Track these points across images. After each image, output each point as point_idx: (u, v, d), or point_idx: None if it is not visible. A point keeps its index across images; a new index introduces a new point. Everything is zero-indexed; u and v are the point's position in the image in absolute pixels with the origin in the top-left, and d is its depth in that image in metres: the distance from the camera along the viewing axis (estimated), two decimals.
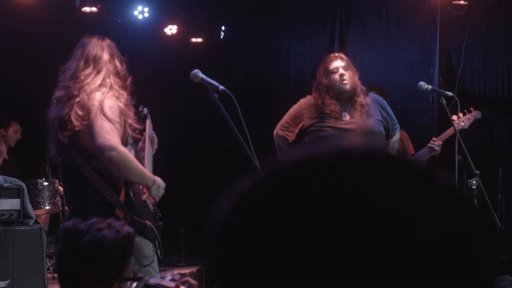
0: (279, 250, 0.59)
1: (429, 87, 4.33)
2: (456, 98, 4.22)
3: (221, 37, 7.79)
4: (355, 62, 7.25)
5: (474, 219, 0.62)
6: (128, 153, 3.26)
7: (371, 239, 0.57)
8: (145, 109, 3.74)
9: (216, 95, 3.32)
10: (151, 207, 3.49)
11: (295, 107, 4.50)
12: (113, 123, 3.25)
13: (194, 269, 6.77)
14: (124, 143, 3.36)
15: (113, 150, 3.20)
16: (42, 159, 6.65)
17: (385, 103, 4.50)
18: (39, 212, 6.24)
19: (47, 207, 6.30)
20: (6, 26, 6.66)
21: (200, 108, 6.78)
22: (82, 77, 3.43)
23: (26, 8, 6.56)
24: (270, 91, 7.61)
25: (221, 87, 3.30)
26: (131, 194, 3.31)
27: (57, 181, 6.47)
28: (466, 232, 0.60)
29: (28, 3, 6.54)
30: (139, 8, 7.12)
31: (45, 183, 6.30)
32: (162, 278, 2.41)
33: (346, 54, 7.31)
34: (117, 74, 3.47)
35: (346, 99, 4.35)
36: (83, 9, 6.58)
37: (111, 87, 3.39)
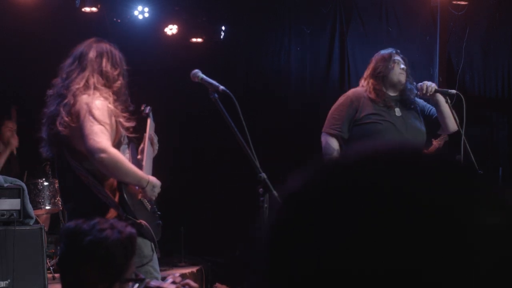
0: (338, 254, 0.57)
1: (432, 88, 4.19)
2: (461, 95, 4.17)
3: (221, 37, 7.79)
4: (355, 62, 7.30)
5: None
6: (118, 155, 3.23)
7: (436, 249, 0.56)
8: (148, 108, 3.72)
9: (216, 95, 3.32)
10: (148, 206, 3.49)
11: (342, 102, 4.31)
12: (102, 125, 3.23)
13: (194, 269, 6.77)
14: (117, 144, 3.35)
15: (103, 152, 3.18)
16: (42, 159, 6.66)
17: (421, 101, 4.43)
18: (39, 212, 6.24)
19: (47, 207, 6.30)
20: (6, 26, 6.66)
21: (200, 108, 6.79)
22: (66, 74, 3.45)
23: (26, 8, 6.56)
24: (270, 91, 7.61)
25: (221, 87, 3.30)
26: (125, 194, 3.29)
27: (57, 181, 6.47)
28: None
29: (28, 3, 6.54)
30: (139, 8, 7.12)
31: (45, 183, 6.30)
32: (163, 280, 2.41)
33: (346, 54, 7.34)
34: (101, 73, 3.44)
35: (397, 93, 4.29)
36: (83, 9, 6.58)
37: (95, 88, 3.37)
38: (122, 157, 3.27)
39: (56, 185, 6.43)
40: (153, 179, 3.41)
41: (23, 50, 6.92)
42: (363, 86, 4.33)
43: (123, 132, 3.41)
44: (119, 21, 7.18)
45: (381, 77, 4.26)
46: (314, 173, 0.64)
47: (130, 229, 2.16)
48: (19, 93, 7.13)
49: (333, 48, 7.37)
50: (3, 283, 4.74)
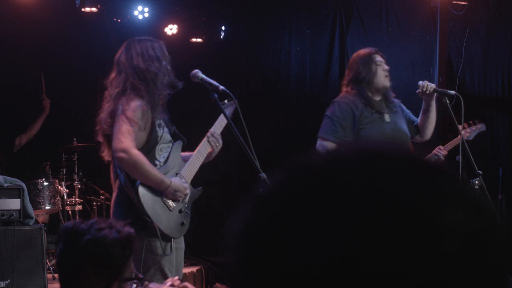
0: (307, 252, 0.58)
1: (431, 87, 4.16)
2: (460, 96, 4.15)
3: (221, 37, 7.79)
4: None
5: (493, 221, 0.62)
6: (138, 157, 3.37)
7: (398, 240, 0.57)
8: (226, 101, 3.63)
9: (216, 95, 3.33)
10: (172, 206, 3.61)
11: (342, 108, 4.06)
12: (131, 126, 3.39)
13: (194, 269, 6.77)
14: (152, 143, 3.50)
15: (124, 152, 3.36)
16: (42, 159, 6.66)
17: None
18: (39, 212, 6.24)
19: (47, 207, 6.30)
20: (5, 26, 6.66)
21: (200, 108, 6.78)
22: (109, 84, 3.60)
23: (26, 8, 6.56)
24: (270, 91, 7.61)
25: (221, 87, 3.31)
26: (140, 194, 3.42)
27: (57, 181, 6.47)
28: (487, 235, 0.60)
29: (28, 3, 6.54)
30: (139, 8, 7.12)
31: (45, 183, 6.30)
32: (162, 283, 2.41)
33: (346, 54, 7.33)
34: (135, 72, 3.54)
35: (381, 97, 4.14)
36: (83, 9, 6.58)
37: (133, 87, 3.49)
38: (142, 159, 3.40)
39: (56, 185, 6.43)
40: (176, 183, 3.54)
41: (22, 50, 6.92)
42: (348, 92, 4.14)
43: (161, 131, 3.56)
44: (119, 21, 7.18)
45: (365, 82, 4.08)
46: (287, 173, 0.66)
47: (128, 229, 2.16)
48: (19, 93, 7.13)
49: (333, 48, 7.37)
50: (3, 283, 4.74)
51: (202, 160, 3.79)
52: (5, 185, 5.33)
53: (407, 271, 0.57)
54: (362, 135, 3.99)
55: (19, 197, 5.10)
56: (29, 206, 5.45)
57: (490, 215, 0.62)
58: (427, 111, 4.21)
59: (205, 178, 7.50)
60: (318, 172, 0.63)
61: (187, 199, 3.75)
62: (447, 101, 4.10)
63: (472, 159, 3.97)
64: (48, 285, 5.04)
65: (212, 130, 3.80)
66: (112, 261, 2.07)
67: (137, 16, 7.13)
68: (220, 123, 3.79)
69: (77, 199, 6.65)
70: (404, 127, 4.18)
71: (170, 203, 3.60)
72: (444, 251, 0.57)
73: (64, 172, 6.63)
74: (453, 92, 4.16)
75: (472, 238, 0.59)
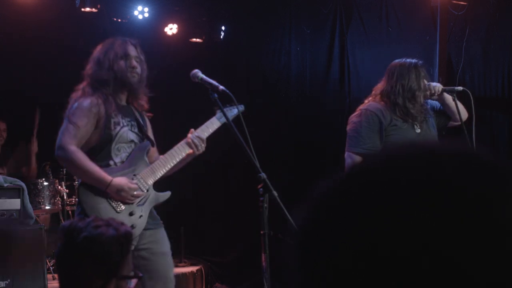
0: (366, 251, 0.58)
1: (439, 88, 4.04)
2: (468, 91, 4.11)
3: (221, 37, 7.79)
4: (355, 62, 7.29)
5: None
6: (75, 154, 3.38)
7: (467, 236, 0.57)
8: (224, 107, 3.52)
9: (216, 95, 3.33)
10: (120, 207, 3.50)
11: (368, 118, 3.90)
12: (72, 124, 3.43)
13: (194, 269, 6.77)
14: (104, 142, 3.48)
15: (60, 149, 3.42)
16: (42, 159, 6.66)
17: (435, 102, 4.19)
18: (39, 212, 6.25)
19: (47, 207, 6.30)
20: (5, 26, 6.66)
21: (200, 108, 6.78)
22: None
23: (26, 8, 6.56)
24: (270, 91, 7.61)
25: (221, 87, 3.31)
26: (81, 192, 3.50)
27: (57, 181, 6.47)
28: None
29: (28, 3, 6.54)
30: (139, 8, 7.12)
31: (45, 183, 6.30)
32: None
33: (346, 54, 7.33)
34: (90, 75, 3.63)
35: (416, 109, 3.95)
36: (83, 9, 6.58)
37: (83, 88, 3.58)
38: (79, 157, 3.39)
39: (56, 185, 6.43)
40: (119, 183, 3.42)
41: (22, 50, 6.92)
42: (375, 101, 3.98)
43: (117, 130, 3.52)
44: (119, 21, 7.17)
45: (410, 92, 3.93)
46: (340, 177, 0.66)
47: (126, 227, 2.17)
48: (19, 93, 7.12)
49: (333, 48, 7.36)
50: (3, 283, 4.74)
51: (174, 163, 3.68)
52: (5, 185, 5.33)
53: (472, 269, 0.56)
54: (390, 141, 3.88)
55: (19, 197, 5.10)
56: (29, 206, 5.45)
57: None
58: (444, 105, 4.17)
59: (205, 178, 7.52)
60: (378, 171, 0.64)
61: (144, 202, 3.59)
62: (456, 98, 4.07)
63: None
64: (48, 285, 5.04)
65: (197, 132, 3.75)
66: (109, 258, 2.08)
67: (137, 16, 7.13)
68: (209, 126, 3.78)
69: (77, 199, 6.64)
70: (433, 135, 4.06)
71: (118, 204, 3.49)
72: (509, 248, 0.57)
73: (64, 172, 6.63)
74: (460, 88, 4.13)
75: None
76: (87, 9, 6.58)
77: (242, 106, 3.51)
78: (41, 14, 6.63)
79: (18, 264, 4.78)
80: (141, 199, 3.57)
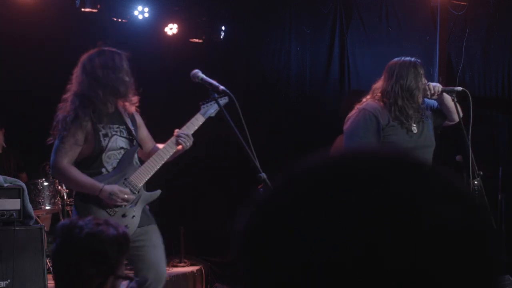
0: (309, 253, 0.59)
1: (438, 88, 4.02)
2: (467, 92, 4.10)
3: (221, 37, 7.79)
4: (355, 61, 7.30)
5: (483, 218, 0.63)
6: (67, 171, 3.65)
7: (391, 235, 0.58)
8: (205, 101, 3.96)
9: (216, 95, 3.34)
10: (113, 212, 3.74)
11: (365, 118, 3.91)
12: (61, 142, 3.67)
13: (194, 269, 6.77)
14: (96, 153, 3.70)
15: (53, 168, 3.74)
16: (42, 159, 6.65)
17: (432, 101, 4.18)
18: (39, 212, 6.24)
19: (47, 207, 6.30)
20: (5, 26, 6.66)
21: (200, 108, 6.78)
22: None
23: (26, 8, 6.56)
24: (270, 91, 7.61)
25: (221, 87, 3.31)
26: (76, 200, 3.77)
27: (57, 181, 6.47)
28: (475, 230, 0.62)
29: (28, 3, 6.54)
30: (139, 8, 7.11)
31: (45, 183, 6.30)
32: None
33: (346, 54, 7.34)
34: (77, 85, 3.78)
35: (412, 111, 3.95)
36: (83, 9, 6.57)
37: (71, 101, 3.74)
38: (72, 172, 3.66)
39: (56, 185, 6.43)
40: (109, 188, 3.66)
41: (22, 51, 6.92)
42: (374, 100, 3.98)
43: (106, 141, 3.72)
44: (119, 21, 7.18)
45: (408, 92, 3.93)
46: (279, 181, 0.67)
47: (124, 228, 2.21)
48: (19, 93, 7.13)
49: (333, 48, 7.37)
50: (3, 283, 4.74)
51: (162, 163, 3.88)
52: (5, 185, 5.33)
53: (404, 266, 0.58)
54: (388, 141, 3.88)
55: (19, 197, 5.10)
56: (29, 206, 5.45)
57: (482, 212, 0.63)
58: (442, 105, 4.15)
59: (205, 178, 7.52)
60: (315, 176, 0.65)
61: (135, 202, 3.81)
62: (455, 98, 4.06)
63: (473, 160, 3.96)
64: (48, 285, 5.04)
65: (182, 130, 3.93)
66: (109, 256, 2.10)
67: (137, 16, 7.13)
68: (194, 123, 3.98)
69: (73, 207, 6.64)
70: (430, 135, 4.06)
71: (112, 209, 3.74)
72: (437, 245, 0.58)
73: None
74: (460, 88, 4.11)
75: (465, 233, 0.60)
76: (87, 9, 6.58)
77: (227, 98, 3.51)
78: (41, 14, 6.63)
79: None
80: (133, 201, 3.79)
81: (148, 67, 7.40)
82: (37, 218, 5.99)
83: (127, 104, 3.84)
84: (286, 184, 0.66)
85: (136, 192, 3.79)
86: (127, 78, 3.77)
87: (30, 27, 6.75)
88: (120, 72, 3.74)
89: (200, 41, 7.66)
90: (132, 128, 3.86)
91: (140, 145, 3.90)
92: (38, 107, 7.04)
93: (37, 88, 6.98)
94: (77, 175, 3.66)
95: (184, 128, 3.94)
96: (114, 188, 3.65)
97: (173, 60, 7.39)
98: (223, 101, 3.52)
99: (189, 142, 3.90)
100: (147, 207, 3.93)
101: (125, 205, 3.73)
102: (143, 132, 4.00)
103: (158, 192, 3.93)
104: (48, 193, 6.30)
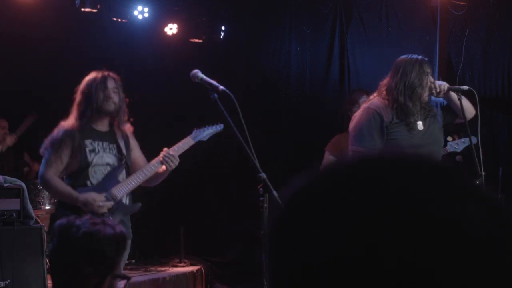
0: (334, 246, 0.59)
1: (444, 87, 4.00)
2: (473, 91, 4.08)
3: (221, 37, 7.79)
4: (355, 61, 7.29)
5: (487, 218, 0.63)
6: (51, 182, 4.09)
7: (417, 238, 0.58)
8: (196, 129, 4.37)
9: (216, 95, 3.34)
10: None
11: (369, 116, 3.94)
12: (49, 155, 4.09)
13: (194, 269, 6.77)
14: (83, 167, 4.06)
15: (40, 179, 4.19)
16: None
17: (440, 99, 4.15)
18: (39, 212, 6.24)
19: (47, 207, 6.30)
20: (5, 26, 6.66)
21: (200, 108, 6.78)
22: None
23: (26, 8, 6.56)
24: (270, 91, 7.61)
25: (221, 87, 3.31)
26: (58, 208, 4.23)
27: None
28: (500, 234, 0.62)
29: (28, 3, 6.54)
30: (139, 8, 7.11)
31: None
32: None
33: (346, 54, 7.34)
34: (76, 104, 4.16)
35: (418, 107, 3.96)
36: (83, 9, 6.57)
37: (71, 117, 4.13)
38: (55, 183, 4.10)
39: None
40: (85, 196, 3.99)
41: (22, 51, 6.92)
42: (379, 98, 3.99)
43: (92, 156, 4.07)
44: (119, 21, 7.18)
45: (410, 89, 3.92)
46: (318, 173, 0.67)
47: (121, 228, 2.21)
48: (19, 93, 7.13)
49: (333, 48, 7.37)
50: (3, 283, 4.74)
51: (143, 178, 4.17)
52: (5, 185, 5.32)
53: (404, 267, 0.58)
54: (392, 138, 3.90)
55: (19, 197, 5.09)
56: (29, 206, 5.44)
57: (484, 212, 0.63)
58: (450, 102, 4.13)
59: (205, 178, 7.52)
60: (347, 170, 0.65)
61: (113, 212, 4.08)
62: (461, 98, 4.04)
63: (477, 160, 3.95)
64: (48, 285, 5.04)
65: (170, 150, 4.16)
66: (106, 256, 2.10)
67: (137, 16, 7.13)
68: (185, 145, 4.25)
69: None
70: (437, 132, 4.07)
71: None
72: (437, 245, 0.59)
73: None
74: (466, 87, 4.10)
75: (466, 233, 0.60)
76: (87, 9, 6.57)
77: (222, 125, 4.04)
78: (41, 14, 6.62)
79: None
80: (111, 209, 4.06)
81: (148, 67, 7.40)
82: (37, 218, 5.99)
83: (122, 125, 4.15)
84: (285, 187, 0.67)
85: (113, 202, 4.05)
86: (116, 99, 4.10)
87: (30, 27, 6.75)
88: (109, 93, 4.08)
89: (200, 41, 7.66)
90: (123, 147, 4.18)
91: (128, 164, 4.20)
92: (38, 107, 7.06)
93: (37, 88, 6.99)
94: (59, 185, 4.09)
95: (171, 149, 4.17)
96: (88, 196, 3.97)
97: (173, 60, 7.39)
98: (218, 128, 4.10)
99: (173, 163, 4.14)
100: (129, 223, 4.22)
101: (103, 213, 3.97)
102: (136, 153, 4.34)
103: (139, 204, 4.24)
104: (47, 193, 6.30)
